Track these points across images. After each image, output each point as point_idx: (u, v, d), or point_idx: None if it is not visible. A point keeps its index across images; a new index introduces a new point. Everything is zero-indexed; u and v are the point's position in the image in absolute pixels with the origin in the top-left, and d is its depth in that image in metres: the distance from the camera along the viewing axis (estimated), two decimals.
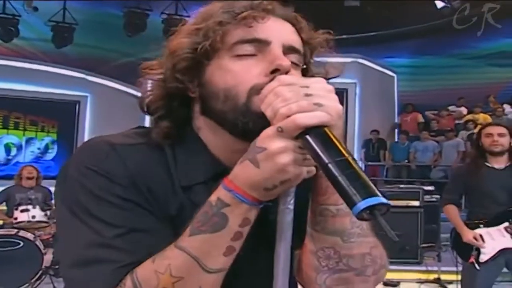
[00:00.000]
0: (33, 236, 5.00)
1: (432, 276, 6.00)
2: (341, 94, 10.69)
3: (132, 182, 0.77)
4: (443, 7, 11.32)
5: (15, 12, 10.41)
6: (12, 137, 10.59)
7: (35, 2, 10.46)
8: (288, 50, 0.80)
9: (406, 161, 10.64)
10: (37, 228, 5.34)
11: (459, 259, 3.63)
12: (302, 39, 0.84)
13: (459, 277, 3.63)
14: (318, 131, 0.66)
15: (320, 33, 0.88)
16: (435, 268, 6.02)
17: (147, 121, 0.92)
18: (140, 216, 0.76)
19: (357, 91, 11.33)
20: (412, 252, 6.22)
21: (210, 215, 0.71)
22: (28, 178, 5.96)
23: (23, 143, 10.68)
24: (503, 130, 3.43)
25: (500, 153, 3.41)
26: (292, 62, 0.79)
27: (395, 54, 13.98)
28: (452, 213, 3.56)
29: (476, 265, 3.34)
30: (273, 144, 0.67)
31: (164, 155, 0.82)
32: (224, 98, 0.78)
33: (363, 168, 9.17)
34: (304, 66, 0.85)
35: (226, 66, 0.79)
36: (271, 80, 0.73)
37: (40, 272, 4.91)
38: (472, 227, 3.43)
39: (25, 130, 10.70)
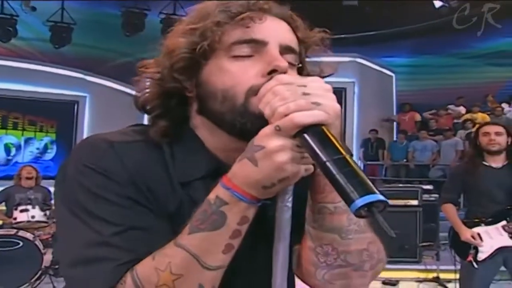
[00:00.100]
0: (32, 236, 5.01)
1: (431, 275, 6.01)
2: (340, 93, 10.70)
3: (131, 180, 0.77)
4: (441, 7, 11.33)
5: (13, 12, 10.40)
6: (11, 137, 10.59)
7: (33, 2, 10.44)
8: (285, 50, 0.81)
9: (405, 160, 10.65)
10: (36, 228, 5.35)
11: (458, 258, 3.64)
12: (297, 37, 0.85)
13: (458, 276, 3.64)
14: (316, 129, 0.67)
15: (315, 31, 0.88)
16: (434, 267, 6.04)
17: (146, 120, 0.92)
18: (139, 214, 0.76)
19: (356, 90, 11.35)
20: (411, 251, 6.23)
21: (209, 213, 0.71)
22: (28, 178, 5.97)
23: (22, 143, 10.68)
24: (500, 129, 3.44)
25: (498, 152, 3.42)
26: (289, 62, 0.80)
27: (394, 54, 13.99)
28: (450, 212, 3.57)
29: (474, 264, 3.35)
30: (271, 143, 0.68)
31: (162, 152, 0.82)
32: (222, 98, 0.79)
33: (362, 168, 9.20)
34: (300, 65, 0.86)
35: (224, 67, 0.79)
36: (268, 80, 0.74)
37: (40, 272, 4.92)
38: (470, 225, 3.44)
39: (24, 130, 10.70)
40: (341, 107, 0.72)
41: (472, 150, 3.64)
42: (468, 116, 10.63)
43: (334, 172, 0.64)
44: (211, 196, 0.72)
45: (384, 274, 5.89)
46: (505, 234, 3.36)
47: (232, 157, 0.78)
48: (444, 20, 11.45)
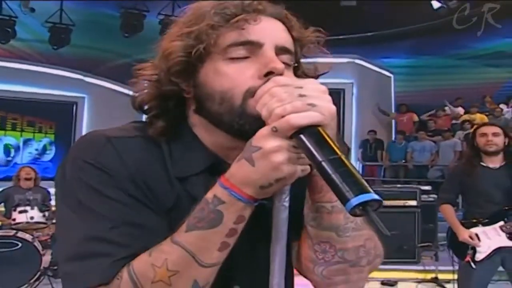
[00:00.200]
0: (31, 237, 5.01)
1: (429, 276, 6.02)
2: (338, 94, 10.72)
3: (130, 177, 0.78)
4: (439, 8, 11.36)
5: (12, 13, 10.40)
6: (10, 139, 10.58)
7: (32, 3, 10.45)
8: (280, 51, 0.82)
9: (403, 161, 10.67)
10: (35, 229, 5.35)
11: (456, 258, 3.65)
12: (292, 37, 0.86)
13: (456, 276, 3.65)
14: (312, 130, 0.68)
15: (310, 30, 0.89)
16: (433, 268, 6.05)
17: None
18: (137, 211, 0.77)
19: (354, 91, 11.36)
20: (409, 251, 6.24)
21: (207, 212, 0.73)
22: (26, 179, 5.97)
23: (21, 144, 10.67)
24: (497, 129, 3.46)
25: (495, 153, 3.44)
26: (284, 62, 0.81)
27: (392, 55, 14.02)
28: (448, 213, 3.58)
29: (472, 264, 3.36)
30: (268, 143, 0.69)
31: (160, 149, 0.83)
32: (220, 100, 0.80)
33: (361, 168, 9.17)
34: (296, 65, 0.87)
35: (221, 69, 0.80)
36: (265, 82, 0.75)
37: (39, 273, 4.92)
38: (468, 226, 3.46)
39: (22, 131, 10.70)
40: (340, 108, 0.74)
41: (470, 150, 3.65)
42: (466, 117, 10.64)
43: (330, 172, 0.65)
44: (209, 195, 0.73)
45: (383, 275, 5.90)
46: (503, 235, 3.37)
47: (229, 155, 0.81)
48: (443, 21, 11.48)
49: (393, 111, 12.25)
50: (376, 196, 0.62)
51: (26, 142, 10.71)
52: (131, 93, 0.88)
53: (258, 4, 0.82)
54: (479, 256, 3.37)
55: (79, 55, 12.16)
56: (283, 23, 0.85)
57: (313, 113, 0.68)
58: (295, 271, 0.95)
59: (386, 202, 6.16)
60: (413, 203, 6.43)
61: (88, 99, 11.04)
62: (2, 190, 5.98)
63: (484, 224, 3.41)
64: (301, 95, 0.70)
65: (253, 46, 0.80)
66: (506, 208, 3.40)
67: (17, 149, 10.62)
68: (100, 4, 11.52)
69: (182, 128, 0.85)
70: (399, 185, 8.19)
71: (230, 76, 0.79)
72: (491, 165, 3.45)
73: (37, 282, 4.97)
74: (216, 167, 0.82)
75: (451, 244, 3.63)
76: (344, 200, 0.63)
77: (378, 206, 0.63)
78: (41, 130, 10.84)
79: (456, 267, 3.67)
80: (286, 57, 0.83)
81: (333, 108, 0.72)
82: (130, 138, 0.83)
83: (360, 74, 11.48)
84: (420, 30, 12.52)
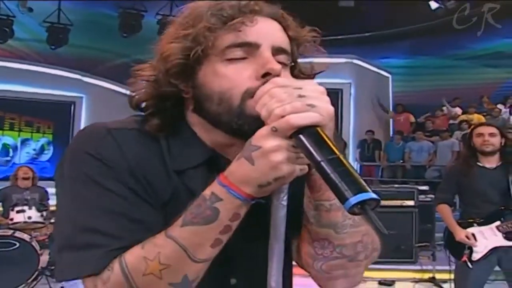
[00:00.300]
0: (29, 237, 5.00)
1: (427, 275, 6.04)
2: (336, 94, 10.73)
3: (129, 169, 0.79)
4: (437, 8, 11.38)
5: (10, 12, 10.39)
6: (8, 138, 10.56)
7: (29, 3, 10.44)
8: (277, 51, 0.83)
9: (401, 161, 10.69)
10: (33, 229, 5.34)
11: (453, 258, 3.66)
12: (289, 36, 0.87)
13: (453, 276, 3.66)
14: (311, 130, 0.69)
15: (307, 30, 0.90)
16: (430, 267, 6.06)
17: None
18: (134, 204, 0.79)
19: (352, 91, 11.38)
20: (407, 251, 6.26)
21: (203, 208, 0.74)
22: (24, 179, 5.96)
23: (19, 144, 10.65)
24: (494, 130, 3.47)
25: (491, 153, 3.45)
26: (281, 62, 0.82)
27: (390, 55, 14.04)
28: (445, 213, 3.59)
29: (469, 264, 3.38)
30: (267, 143, 0.70)
31: (158, 143, 0.84)
32: (219, 100, 0.81)
33: (358, 168, 9.17)
34: (292, 64, 0.88)
35: (219, 71, 0.81)
36: (264, 83, 0.76)
37: (36, 273, 4.91)
38: (465, 226, 3.47)
39: (20, 131, 10.67)
40: (338, 108, 0.75)
41: (466, 151, 3.66)
42: (464, 117, 10.67)
43: (329, 171, 0.66)
44: (207, 192, 0.75)
45: (380, 275, 5.92)
46: (499, 234, 3.38)
47: (227, 151, 0.83)
48: (441, 21, 11.51)
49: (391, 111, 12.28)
50: (374, 195, 0.64)
51: (24, 142, 10.69)
52: (129, 93, 0.89)
53: (254, 4, 0.83)
54: (475, 256, 3.38)
55: (77, 55, 12.15)
56: (279, 22, 0.86)
57: (312, 114, 0.70)
58: (295, 271, 0.97)
59: (384, 202, 6.20)
60: (411, 203, 6.45)
61: (86, 99, 11.02)
62: (0, 190, 5.98)
63: (481, 224, 3.42)
64: (300, 96, 0.71)
65: (250, 47, 0.81)
66: (503, 208, 3.41)
67: (15, 149, 10.60)
68: (98, 4, 11.51)
69: (180, 126, 0.87)
70: (396, 185, 8.21)
71: (228, 77, 0.80)
72: (487, 165, 3.47)
73: (34, 282, 4.97)
74: (214, 161, 0.83)
75: (448, 244, 3.64)
76: (342, 199, 0.64)
77: (376, 205, 0.65)
78: (39, 130, 10.82)
79: (453, 267, 3.68)
80: (283, 57, 0.84)
81: (332, 108, 0.73)
82: (130, 130, 0.84)
83: (358, 74, 11.49)
84: (418, 30, 12.55)
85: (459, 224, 3.50)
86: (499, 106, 10.93)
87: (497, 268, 3.52)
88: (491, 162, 3.47)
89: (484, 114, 10.71)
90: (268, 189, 0.74)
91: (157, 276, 0.73)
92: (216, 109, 0.81)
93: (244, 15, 0.81)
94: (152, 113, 0.85)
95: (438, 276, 5.79)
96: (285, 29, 0.86)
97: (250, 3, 0.83)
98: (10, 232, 4.99)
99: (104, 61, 12.97)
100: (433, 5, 11.31)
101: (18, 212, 5.30)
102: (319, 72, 0.93)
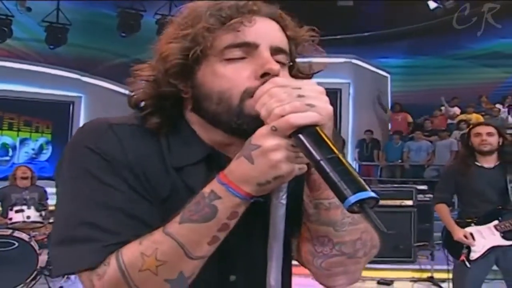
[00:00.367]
0: (28, 236, 5.01)
1: (425, 275, 6.05)
2: (335, 94, 10.74)
3: (129, 165, 0.80)
4: (436, 8, 11.39)
5: (8, 12, 10.39)
6: (6, 138, 10.56)
7: (28, 2, 10.43)
8: (276, 51, 0.84)
9: (400, 161, 10.70)
10: (32, 229, 5.34)
11: (451, 258, 3.67)
12: (287, 36, 0.87)
13: (451, 276, 3.67)
14: (310, 130, 0.70)
15: (305, 29, 0.91)
16: (428, 267, 6.08)
17: None
18: (133, 201, 0.79)
19: (351, 91, 11.38)
20: (405, 251, 6.27)
21: (202, 206, 0.74)
22: (23, 178, 5.95)
23: (17, 144, 10.64)
24: (491, 129, 3.48)
25: (489, 152, 3.46)
26: (280, 62, 0.83)
27: (389, 55, 14.07)
28: (443, 212, 3.60)
29: (467, 263, 3.38)
30: (267, 142, 0.71)
31: (158, 140, 0.85)
32: (218, 100, 0.82)
33: (357, 168, 9.16)
34: (291, 63, 0.89)
35: (218, 71, 0.82)
36: (263, 83, 0.77)
37: (35, 272, 4.92)
38: (463, 225, 3.48)
39: (19, 130, 10.67)
40: (336, 108, 0.76)
41: (464, 150, 3.67)
42: (462, 116, 10.68)
43: (328, 170, 0.67)
44: (206, 189, 0.75)
45: (379, 274, 5.93)
46: (497, 234, 3.39)
47: (226, 150, 0.83)
48: (439, 21, 11.53)
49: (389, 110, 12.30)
50: (373, 194, 0.65)
51: (23, 141, 10.68)
52: (128, 92, 0.90)
53: (252, 4, 0.84)
54: (473, 255, 3.39)
55: (76, 55, 12.15)
56: (278, 22, 0.86)
57: (312, 113, 0.70)
58: (295, 271, 0.98)
59: (383, 202, 6.20)
60: (409, 202, 6.46)
61: (85, 99, 11.02)
62: None
63: (479, 224, 3.43)
64: (299, 96, 0.72)
65: (249, 47, 0.82)
66: (500, 207, 3.42)
67: (13, 148, 10.59)
68: (97, 4, 11.51)
69: (180, 124, 0.87)
70: (395, 185, 8.22)
71: (227, 77, 0.81)
72: (485, 165, 3.47)
73: (33, 282, 4.97)
74: (213, 159, 0.84)
75: (446, 243, 3.65)
76: (342, 198, 0.65)
77: (375, 203, 0.66)
78: (38, 130, 10.82)
79: (451, 266, 3.69)
80: (281, 57, 0.84)
81: (331, 108, 0.74)
82: (130, 126, 0.85)
83: (357, 74, 11.50)
84: (417, 30, 12.58)
85: (457, 224, 3.51)
86: (498, 105, 10.95)
87: (495, 267, 3.53)
88: (489, 162, 3.47)
89: (483, 113, 10.73)
90: (268, 188, 0.74)
91: (153, 272, 0.74)
92: (215, 109, 0.82)
93: (243, 15, 0.82)
94: (151, 112, 0.86)
95: (436, 275, 5.80)
96: (284, 28, 0.87)
97: (248, 3, 0.84)
98: (9, 231, 4.99)
99: (103, 60, 12.97)
100: (432, 5, 11.33)
101: (17, 211, 5.30)
102: (317, 72, 0.94)
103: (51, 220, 5.49)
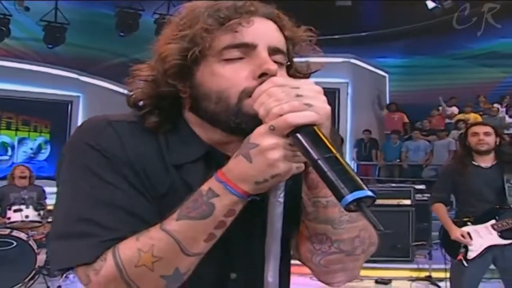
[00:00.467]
0: (26, 236, 5.01)
1: (423, 274, 6.07)
2: (333, 94, 10.75)
3: (129, 162, 0.81)
4: (434, 8, 11.41)
5: (6, 11, 10.38)
6: (4, 137, 10.54)
7: (26, 2, 10.42)
8: (273, 51, 0.84)
9: (398, 160, 10.72)
10: (30, 228, 5.34)
11: (449, 257, 3.68)
12: (285, 36, 0.88)
13: (449, 275, 3.69)
14: (308, 129, 0.71)
15: (302, 29, 0.91)
16: (426, 266, 6.10)
17: None
18: (131, 197, 0.80)
19: (349, 91, 11.40)
20: (403, 250, 6.29)
21: (200, 203, 0.75)
22: (21, 177, 5.95)
23: (16, 143, 10.63)
24: (489, 129, 3.49)
25: (486, 152, 3.47)
26: (277, 62, 0.84)
27: (387, 54, 14.08)
28: (441, 211, 3.61)
29: (464, 262, 3.39)
30: (265, 141, 0.72)
31: (157, 138, 0.86)
32: (217, 99, 0.82)
33: (355, 168, 9.16)
34: (288, 63, 0.90)
35: (217, 71, 0.82)
36: (260, 83, 0.78)
37: (34, 272, 4.92)
38: (460, 225, 3.49)
39: (17, 130, 10.65)
40: (335, 108, 0.77)
41: (462, 150, 3.68)
42: (461, 116, 10.70)
43: (325, 169, 0.68)
44: (204, 187, 0.76)
45: (377, 273, 5.95)
46: (495, 233, 3.40)
47: (224, 148, 0.84)
48: (438, 21, 11.55)
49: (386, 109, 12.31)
50: (369, 193, 0.65)
51: (21, 141, 10.67)
52: (126, 92, 0.90)
53: (250, 5, 0.84)
54: (471, 255, 3.40)
55: (74, 54, 12.14)
56: (275, 22, 0.87)
57: (310, 113, 0.71)
58: (295, 271, 0.99)
59: (381, 201, 6.22)
60: (407, 202, 6.48)
61: (83, 98, 11.01)
62: None
63: (476, 223, 3.44)
64: (298, 95, 0.72)
65: (247, 48, 0.82)
66: (498, 206, 3.43)
67: (12, 148, 10.58)
68: (95, 3, 11.50)
69: (178, 123, 0.88)
70: (393, 184, 8.24)
71: (226, 77, 0.82)
72: (482, 164, 3.49)
73: (32, 281, 4.97)
74: (212, 157, 0.85)
75: (444, 242, 3.66)
76: (339, 196, 0.66)
77: (372, 202, 0.66)
78: (36, 129, 10.80)
79: (449, 266, 3.70)
80: (279, 57, 0.85)
81: (328, 108, 0.74)
82: (129, 123, 0.85)
83: (355, 74, 11.52)
84: (415, 30, 12.59)
85: (455, 223, 3.51)
86: (496, 105, 10.97)
87: (492, 266, 3.55)
88: (486, 161, 3.49)
89: (481, 113, 10.75)
90: (265, 186, 0.75)
91: (149, 268, 0.74)
92: (214, 108, 0.83)
93: (241, 16, 0.82)
94: (149, 111, 0.86)
95: (434, 274, 5.82)
96: (281, 29, 0.88)
97: (246, 3, 0.84)
98: (7, 231, 4.99)
99: (101, 60, 12.96)
100: (430, 4, 11.34)
101: (15, 211, 5.29)
102: (314, 71, 0.95)
103: (49, 220, 5.49)
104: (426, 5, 11.39)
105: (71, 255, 0.77)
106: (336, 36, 11.33)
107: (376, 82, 12.33)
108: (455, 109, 11.24)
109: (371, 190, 0.66)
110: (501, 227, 3.39)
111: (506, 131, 9.49)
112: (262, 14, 0.85)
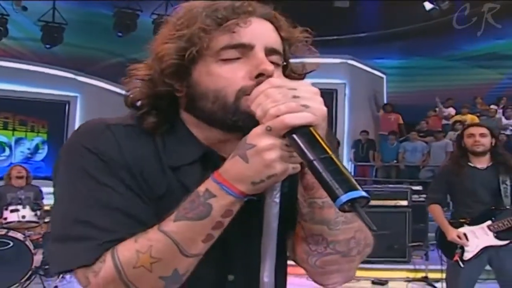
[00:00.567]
0: (23, 236, 5.00)
1: (419, 275, 6.09)
2: (331, 94, 10.76)
3: (126, 165, 0.81)
4: (431, 9, 11.43)
5: (4, 11, 10.36)
6: (1, 137, 10.51)
7: (24, 2, 10.39)
8: (270, 52, 0.85)
9: (395, 161, 10.73)
10: (27, 228, 5.34)
11: (445, 258, 3.69)
12: (281, 36, 0.89)
13: (445, 275, 3.70)
14: (304, 130, 0.72)
15: (299, 30, 0.92)
16: (423, 267, 6.11)
17: None
18: (129, 200, 0.80)
19: (347, 91, 11.41)
20: (400, 251, 6.30)
21: (197, 204, 0.76)
22: (18, 178, 5.94)
23: (13, 143, 10.60)
24: (484, 130, 3.51)
25: (482, 153, 3.49)
26: (274, 62, 0.85)
27: (385, 55, 14.10)
28: (437, 212, 3.62)
29: (461, 263, 3.41)
30: (261, 142, 0.73)
31: (154, 140, 0.86)
32: (214, 98, 0.83)
33: (352, 169, 9.14)
34: (285, 63, 0.90)
35: (214, 71, 0.83)
36: (258, 83, 0.79)
37: (30, 272, 4.91)
38: (456, 225, 3.50)
39: (14, 130, 10.62)
40: (332, 109, 0.77)
41: (457, 151, 3.69)
42: (458, 117, 10.72)
43: (321, 170, 0.69)
44: (201, 188, 0.77)
45: (374, 274, 5.96)
46: (491, 234, 3.42)
47: (221, 148, 0.85)
48: (435, 22, 11.56)
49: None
50: (364, 193, 0.66)
51: (18, 141, 10.65)
52: (124, 92, 0.91)
53: (248, 5, 0.85)
54: (467, 255, 3.41)
55: (71, 54, 12.12)
56: (272, 23, 0.88)
57: (306, 114, 0.72)
58: (292, 271, 0.99)
59: (378, 202, 6.23)
60: (404, 203, 6.49)
61: (80, 98, 10.99)
62: None
63: (472, 224, 3.45)
64: (295, 97, 0.73)
65: (245, 48, 0.83)
66: (493, 207, 3.45)
67: (9, 148, 10.55)
68: (93, 3, 11.48)
69: (175, 124, 0.89)
70: (390, 185, 8.26)
71: (223, 76, 0.82)
72: (478, 166, 3.50)
73: (28, 281, 4.97)
74: (209, 158, 0.86)
75: (440, 243, 3.67)
76: (334, 197, 0.66)
77: (366, 202, 0.67)
78: (33, 129, 10.78)
79: (445, 266, 3.71)
80: (275, 58, 0.86)
81: (325, 109, 0.75)
82: (127, 126, 0.86)
83: (353, 75, 11.53)
84: (413, 31, 12.60)
85: (451, 224, 3.53)
86: (493, 107, 10.99)
87: (488, 267, 3.56)
88: (482, 163, 3.50)
89: (478, 114, 10.78)
90: (261, 187, 0.75)
91: (148, 269, 0.75)
92: (211, 107, 0.83)
93: (238, 16, 0.83)
94: (147, 111, 0.87)
95: (430, 275, 5.84)
96: (278, 29, 0.88)
97: (244, 4, 0.85)
98: (4, 231, 4.98)
99: (99, 60, 12.95)
100: (428, 6, 11.36)
101: (12, 211, 5.29)
102: (310, 72, 0.95)
103: (46, 220, 5.49)
104: (423, 6, 11.41)
105: (70, 257, 0.77)
106: (334, 37, 11.33)
107: (374, 83, 12.34)
108: (452, 110, 11.26)
109: (366, 191, 0.67)
110: (497, 228, 3.41)
111: (502, 132, 9.52)
112: (259, 15, 0.86)
